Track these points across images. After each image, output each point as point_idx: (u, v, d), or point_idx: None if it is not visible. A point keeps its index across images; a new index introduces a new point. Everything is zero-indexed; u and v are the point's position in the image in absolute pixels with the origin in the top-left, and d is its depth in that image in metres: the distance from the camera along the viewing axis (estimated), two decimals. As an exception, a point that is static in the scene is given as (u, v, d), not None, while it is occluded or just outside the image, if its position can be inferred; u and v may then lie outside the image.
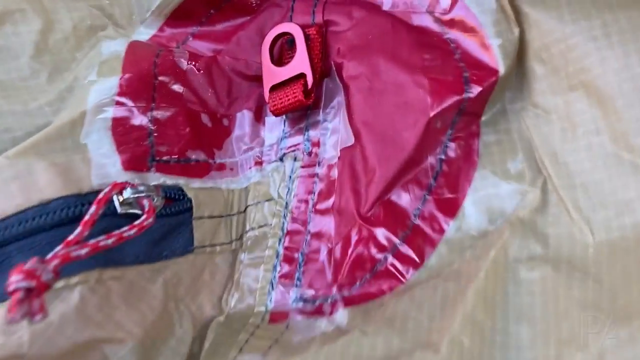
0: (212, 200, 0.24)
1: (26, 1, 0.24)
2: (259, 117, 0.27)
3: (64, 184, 0.21)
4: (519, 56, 0.23)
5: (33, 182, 0.21)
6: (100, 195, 0.20)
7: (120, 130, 0.23)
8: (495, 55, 0.23)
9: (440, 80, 0.23)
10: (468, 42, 0.24)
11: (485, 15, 0.23)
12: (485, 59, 0.23)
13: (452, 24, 0.24)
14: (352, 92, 0.24)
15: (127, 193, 0.21)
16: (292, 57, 0.26)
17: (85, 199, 0.21)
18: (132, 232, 0.20)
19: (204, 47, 0.27)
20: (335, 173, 0.25)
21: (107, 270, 0.21)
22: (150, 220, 0.21)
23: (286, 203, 0.25)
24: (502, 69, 0.23)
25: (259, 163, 0.26)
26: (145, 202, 0.21)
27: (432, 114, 0.23)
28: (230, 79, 0.27)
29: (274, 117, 0.26)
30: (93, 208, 0.20)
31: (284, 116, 0.26)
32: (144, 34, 0.27)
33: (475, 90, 0.23)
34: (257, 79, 0.27)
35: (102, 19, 0.26)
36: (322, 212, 0.24)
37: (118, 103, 0.24)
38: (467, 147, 0.23)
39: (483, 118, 0.24)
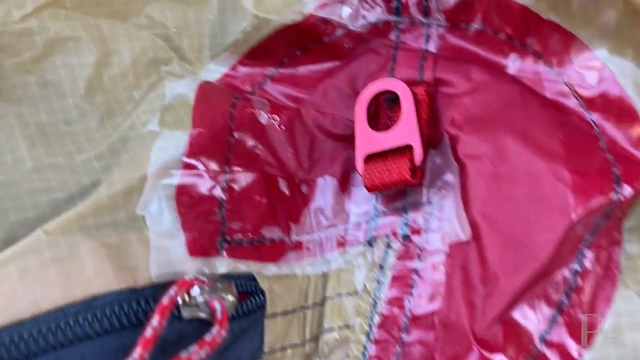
0: (287, 291, 0.20)
1: (83, 27, 0.19)
2: (344, 187, 0.22)
3: (115, 273, 0.17)
4: None
5: (78, 268, 0.17)
6: (165, 301, 0.16)
7: (187, 200, 0.19)
8: None
9: (585, 175, 0.19)
10: (617, 129, 0.19)
11: None
12: (638, 154, 0.19)
13: (596, 103, 0.20)
14: (471, 175, 0.20)
15: (195, 292, 0.17)
16: (393, 121, 0.22)
17: (142, 294, 0.17)
18: (203, 353, 0.16)
19: (283, 93, 0.23)
20: (441, 273, 0.20)
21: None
22: (224, 333, 0.16)
23: (374, 301, 0.21)
24: None
25: (341, 244, 0.22)
26: (217, 305, 0.17)
27: (575, 217, 0.18)
28: (313, 137, 0.22)
29: (363, 189, 0.22)
30: (155, 320, 0.16)
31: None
32: (214, 71, 0.22)
33: (627, 192, 0.18)
34: (345, 139, 0.23)
35: (166, 52, 0.21)
36: (421, 321, 0.20)
37: (186, 165, 0.19)
38: (607, 258, 0.19)
39: (626, 224, 0.19)
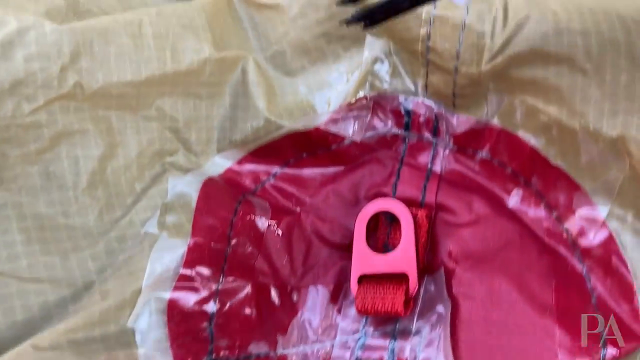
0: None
1: (91, 119, 0.19)
2: (335, 298, 0.22)
3: None
4: None
5: None
6: None
7: (177, 315, 0.19)
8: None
9: (574, 335, 0.19)
10: (609, 290, 0.20)
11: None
12: (629, 322, 0.19)
13: (592, 258, 0.20)
14: (463, 315, 0.20)
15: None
16: (391, 239, 0.22)
17: None
18: None
19: (285, 192, 0.23)
20: None
21: None
22: None
23: None
24: None
25: (327, 363, 0.21)
26: None
27: None
28: (310, 243, 0.22)
29: (353, 306, 0.22)
30: None
31: None
32: (219, 165, 0.22)
33: (611, 354, 0.19)
34: (340, 247, 0.23)
35: (173, 143, 0.21)
36: None
37: (181, 278, 0.19)
38: None
39: None
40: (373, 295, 0.21)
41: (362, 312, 0.21)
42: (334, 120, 0.22)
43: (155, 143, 0.21)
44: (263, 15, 0.22)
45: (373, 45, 0.22)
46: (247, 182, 0.22)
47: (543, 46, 0.19)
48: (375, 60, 0.22)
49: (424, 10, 0.20)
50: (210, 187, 0.21)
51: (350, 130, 0.22)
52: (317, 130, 0.22)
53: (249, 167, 0.22)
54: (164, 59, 0.19)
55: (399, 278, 0.21)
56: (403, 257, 0.21)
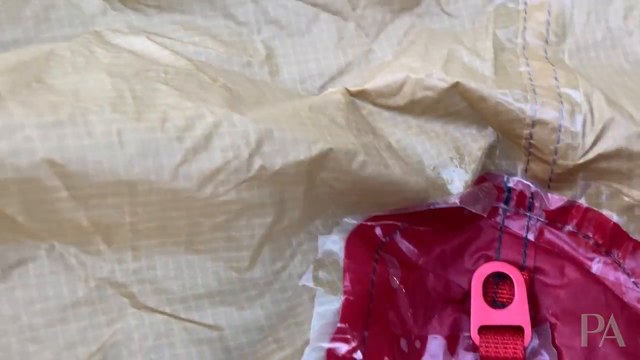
0: None
1: (269, 195, 0.22)
2: (452, 348, 0.25)
3: None
4: None
5: None
6: None
7: None
8: None
9: None
10: None
11: None
12: None
13: None
14: None
15: None
16: (499, 296, 0.25)
17: None
18: None
19: (407, 247, 0.26)
20: None
21: None
22: None
23: None
24: None
25: (448, 401, 0.25)
26: None
27: None
28: (428, 298, 0.26)
29: (468, 354, 0.25)
30: None
31: (478, 356, 0.25)
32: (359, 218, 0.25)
33: None
34: (452, 301, 0.26)
35: (327, 203, 0.24)
36: None
37: (338, 330, 0.22)
38: None
39: None
40: (496, 343, 0.24)
41: (486, 357, 0.24)
42: (466, 199, 0.25)
43: (314, 206, 0.24)
44: None
45: (491, 133, 0.25)
46: (378, 234, 0.25)
47: (628, 145, 0.24)
48: (490, 147, 0.25)
49: (527, 115, 0.24)
50: (351, 245, 0.24)
51: (480, 207, 0.25)
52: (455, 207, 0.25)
53: (381, 222, 0.25)
54: (326, 138, 0.22)
55: (516, 329, 0.24)
56: (518, 312, 0.24)
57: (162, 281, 0.21)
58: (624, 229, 0.24)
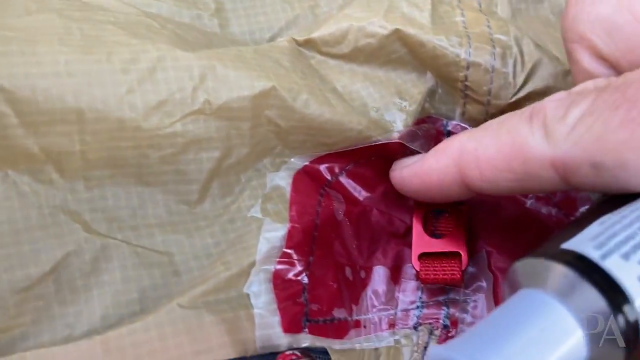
0: (349, 363, 0.24)
1: (215, 129, 0.23)
2: (395, 277, 0.27)
3: (231, 344, 0.21)
4: None
5: (204, 338, 0.21)
6: None
7: (280, 283, 0.23)
8: None
9: None
10: None
11: None
12: None
13: None
14: (501, 284, 0.25)
15: (292, 366, 0.21)
16: (442, 228, 0.26)
17: None
18: None
19: (353, 187, 0.27)
20: None
21: None
22: None
23: None
24: None
25: (391, 326, 0.26)
26: (308, 377, 0.21)
27: None
28: (373, 232, 0.27)
29: (410, 281, 0.27)
30: None
31: (420, 284, 0.27)
32: (305, 160, 0.26)
33: None
34: (395, 235, 0.27)
35: (274, 141, 0.25)
36: None
37: (284, 254, 0.23)
38: None
39: None
40: (435, 267, 0.26)
41: (426, 281, 0.26)
42: (405, 136, 0.26)
43: (261, 144, 0.25)
44: None
45: (430, 78, 0.27)
46: (324, 174, 0.26)
47: (555, 83, 0.26)
48: (431, 91, 0.27)
49: (462, 59, 0.26)
50: (298, 181, 0.25)
51: (419, 144, 0.27)
52: (395, 143, 0.26)
53: (327, 163, 0.27)
54: (270, 76, 0.24)
55: (454, 255, 0.26)
56: (455, 240, 0.26)
57: (114, 210, 0.23)
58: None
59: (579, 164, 0.18)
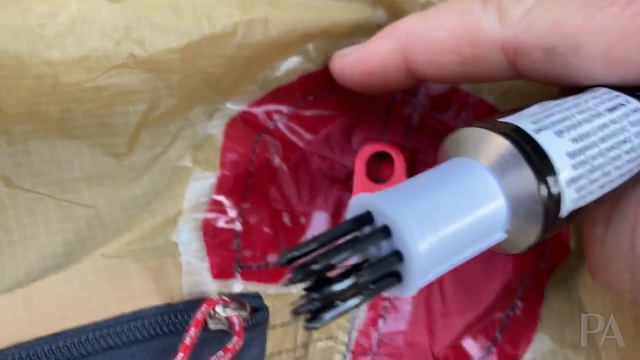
0: (284, 306, 0.25)
1: (141, 82, 0.23)
2: (336, 222, 0.27)
3: (156, 291, 0.22)
4: None
5: (128, 286, 0.21)
6: (198, 316, 0.21)
7: (210, 231, 0.23)
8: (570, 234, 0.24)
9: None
10: None
11: None
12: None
13: None
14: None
15: (219, 309, 0.22)
16: (380, 176, 0.26)
17: (177, 309, 0.22)
18: (227, 357, 0.21)
19: (293, 131, 0.27)
20: (409, 304, 0.25)
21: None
22: (241, 342, 0.21)
23: (353, 320, 0.26)
24: (572, 246, 0.24)
25: (329, 269, 0.26)
26: (235, 320, 0.22)
27: (513, 274, 0.24)
28: (313, 178, 0.27)
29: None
30: (192, 331, 0.20)
31: None
32: (240, 105, 0.26)
33: (550, 261, 0.24)
34: (337, 181, 0.27)
35: (206, 89, 0.25)
36: (390, 339, 0.25)
37: (213, 202, 0.24)
38: (532, 308, 0.25)
39: (547, 286, 0.25)
40: None
41: None
42: None
43: (191, 93, 0.24)
44: None
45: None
46: (262, 120, 0.26)
47: None
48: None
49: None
50: (232, 128, 0.25)
51: None
52: (325, 70, 0.26)
53: (264, 107, 0.26)
54: (201, 26, 0.23)
55: None
56: (397, 183, 0.26)
57: (38, 165, 0.23)
58: (499, 110, 0.26)
59: (531, 48, 0.18)
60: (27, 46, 0.21)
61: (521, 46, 0.18)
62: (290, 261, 0.14)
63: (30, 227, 0.22)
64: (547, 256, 0.25)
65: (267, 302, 0.24)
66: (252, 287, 0.24)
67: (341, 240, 0.15)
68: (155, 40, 0.22)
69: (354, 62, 0.24)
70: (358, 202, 0.16)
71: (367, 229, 0.15)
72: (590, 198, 0.17)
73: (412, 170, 0.27)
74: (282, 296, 0.25)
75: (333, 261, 0.14)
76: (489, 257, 0.24)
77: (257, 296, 0.24)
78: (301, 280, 0.14)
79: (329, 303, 0.14)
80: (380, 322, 0.26)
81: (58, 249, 0.22)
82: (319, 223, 0.27)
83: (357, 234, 0.15)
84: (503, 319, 0.24)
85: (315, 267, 0.14)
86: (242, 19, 0.23)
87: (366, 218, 0.15)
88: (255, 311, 0.24)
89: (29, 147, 0.23)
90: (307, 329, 0.14)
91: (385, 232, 0.15)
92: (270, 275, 0.25)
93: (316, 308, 0.14)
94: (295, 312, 0.14)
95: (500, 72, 0.19)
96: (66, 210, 0.23)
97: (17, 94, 0.21)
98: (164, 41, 0.22)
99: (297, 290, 0.26)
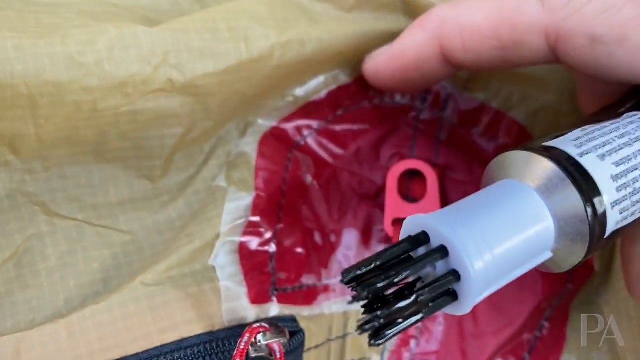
0: (318, 328, 0.25)
1: (180, 106, 0.22)
2: (366, 240, 0.27)
3: (197, 320, 0.22)
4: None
5: (169, 315, 0.21)
6: (241, 346, 0.21)
7: (246, 254, 0.23)
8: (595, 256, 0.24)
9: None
10: None
11: None
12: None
13: None
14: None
15: (260, 337, 0.22)
16: (411, 194, 0.26)
17: (217, 336, 0.22)
18: None
19: (324, 147, 0.27)
20: (441, 325, 0.25)
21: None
22: None
23: None
24: (597, 267, 0.24)
25: (361, 289, 0.26)
26: (276, 347, 0.22)
27: (542, 296, 0.24)
28: (343, 194, 0.27)
29: (381, 244, 0.27)
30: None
31: None
32: (272, 120, 0.26)
33: (576, 282, 0.24)
34: (366, 197, 0.27)
35: (240, 108, 0.24)
36: (421, 359, 0.25)
37: (250, 224, 0.23)
38: (558, 329, 0.25)
39: (572, 306, 0.25)
40: None
41: None
42: None
43: (228, 114, 0.24)
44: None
45: None
46: (292, 135, 0.26)
47: None
48: None
49: None
50: (264, 146, 0.25)
51: None
52: (355, 82, 0.26)
53: (294, 123, 0.26)
54: (239, 50, 0.22)
55: None
56: (430, 204, 0.26)
57: (74, 190, 0.22)
58: (529, 132, 0.26)
59: (575, 35, 0.18)
60: (66, 73, 0.20)
61: (565, 32, 0.18)
62: (352, 280, 0.15)
63: (68, 255, 0.22)
64: (575, 277, 0.25)
65: (302, 324, 0.24)
66: (288, 310, 0.24)
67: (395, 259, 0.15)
68: (193, 65, 0.22)
69: (388, 59, 0.23)
70: (413, 223, 0.16)
71: (421, 249, 0.16)
72: (631, 219, 0.17)
73: (443, 187, 0.27)
74: (316, 318, 0.25)
75: (396, 280, 0.15)
76: (520, 279, 0.25)
77: (292, 319, 0.24)
78: (366, 297, 0.15)
79: (391, 321, 0.14)
80: (413, 342, 0.26)
81: (96, 276, 0.22)
82: (349, 241, 0.27)
83: (410, 253, 0.16)
84: (531, 340, 0.25)
85: (380, 284, 0.15)
86: (279, 41, 0.23)
87: (422, 238, 0.16)
88: (292, 335, 0.24)
89: (65, 172, 0.22)
90: (372, 345, 0.14)
91: (443, 252, 0.15)
92: (304, 297, 0.25)
93: (380, 325, 0.14)
94: (361, 329, 0.14)
95: (539, 58, 0.19)
96: (103, 236, 0.22)
97: (55, 120, 0.21)
98: (203, 65, 0.22)
99: (330, 311, 0.26)
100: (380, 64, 0.24)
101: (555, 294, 0.25)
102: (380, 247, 0.27)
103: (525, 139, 0.26)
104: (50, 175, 0.22)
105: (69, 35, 0.20)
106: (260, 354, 0.22)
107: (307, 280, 0.25)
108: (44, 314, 0.21)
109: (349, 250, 0.27)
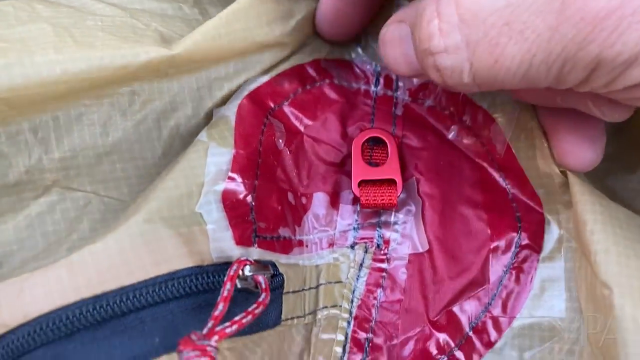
0: (295, 275, 0.27)
1: (178, 86, 0.25)
2: (334, 202, 0.29)
3: (188, 255, 0.23)
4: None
5: (162, 249, 0.23)
6: (231, 272, 0.22)
7: (229, 203, 0.25)
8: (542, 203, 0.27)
9: (497, 217, 0.28)
10: (517, 187, 0.28)
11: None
12: (532, 204, 0.28)
13: (506, 168, 0.28)
14: (428, 208, 0.28)
15: (247, 270, 0.23)
16: (378, 158, 0.29)
17: (208, 270, 0.23)
18: (259, 310, 0.22)
19: (295, 115, 0.29)
20: (404, 274, 0.28)
21: (224, 342, 0.23)
22: (268, 298, 0.23)
23: (354, 289, 0.28)
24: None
25: (331, 245, 0.29)
26: (261, 279, 0.24)
27: (492, 245, 0.27)
28: (310, 162, 0.29)
29: (347, 205, 0.29)
30: (228, 285, 0.22)
31: (356, 208, 0.29)
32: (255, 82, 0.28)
33: (526, 227, 0.27)
34: (333, 165, 0.30)
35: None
36: (388, 306, 0.28)
37: (229, 178, 0.25)
38: (524, 278, 0.27)
39: (540, 256, 0.27)
40: (374, 193, 0.28)
41: (366, 205, 0.28)
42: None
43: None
44: None
45: None
46: (270, 102, 0.28)
47: None
48: None
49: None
50: (244, 110, 0.27)
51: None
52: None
53: (272, 87, 0.28)
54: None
55: (389, 182, 0.29)
56: (391, 168, 0.29)
57: (85, 168, 0.24)
58: (470, 98, 0.29)
59: None
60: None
61: None
62: None
63: (75, 221, 0.24)
64: (523, 223, 0.28)
65: (281, 269, 0.26)
66: (268, 255, 0.26)
67: None
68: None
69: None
70: None
71: None
72: None
73: (400, 154, 0.30)
74: (293, 266, 0.27)
75: None
76: (469, 230, 0.28)
77: (272, 264, 0.26)
78: None
79: None
80: (379, 291, 0.28)
81: (96, 225, 0.24)
82: (318, 203, 0.29)
83: None
84: (496, 287, 0.27)
85: None
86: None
87: None
88: (273, 276, 0.26)
89: (77, 154, 0.24)
90: None
91: None
92: (281, 246, 0.27)
93: None
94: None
95: None
96: (107, 205, 0.25)
97: None
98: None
99: (303, 263, 0.28)
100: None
101: (508, 241, 0.27)
102: (346, 208, 0.30)
103: (467, 104, 0.29)
104: (63, 156, 0.24)
105: (105, 57, 0.23)
106: (246, 286, 0.24)
107: (284, 232, 0.27)
108: (46, 262, 0.22)
109: (319, 211, 0.29)
